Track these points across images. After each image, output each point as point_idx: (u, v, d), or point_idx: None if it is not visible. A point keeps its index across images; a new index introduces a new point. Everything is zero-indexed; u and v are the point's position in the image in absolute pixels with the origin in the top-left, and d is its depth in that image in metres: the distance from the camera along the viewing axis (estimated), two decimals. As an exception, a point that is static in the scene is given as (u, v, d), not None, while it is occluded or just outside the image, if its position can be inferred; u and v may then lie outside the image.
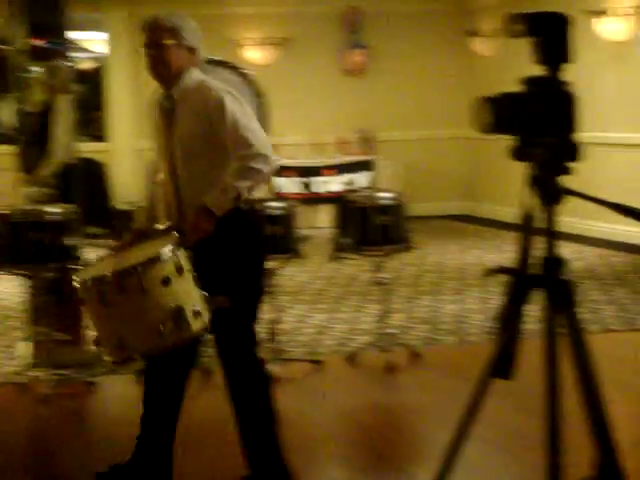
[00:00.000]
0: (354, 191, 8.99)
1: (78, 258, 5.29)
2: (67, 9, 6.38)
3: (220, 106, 3.55)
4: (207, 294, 3.43)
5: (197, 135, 3.61)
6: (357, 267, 7.81)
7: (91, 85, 13.39)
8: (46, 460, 4.30)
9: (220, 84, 3.69)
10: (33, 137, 6.48)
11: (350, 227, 5.64)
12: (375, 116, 12.80)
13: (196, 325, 3.37)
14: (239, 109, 3.57)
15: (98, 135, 12.75)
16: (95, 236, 7.09)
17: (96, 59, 13.67)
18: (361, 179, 11.91)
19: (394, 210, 5.65)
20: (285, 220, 5.52)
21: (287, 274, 7.00)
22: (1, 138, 12.35)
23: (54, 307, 5.63)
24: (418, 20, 13.01)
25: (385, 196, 5.77)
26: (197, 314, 3.37)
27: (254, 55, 12.55)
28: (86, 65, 13.61)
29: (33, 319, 5.65)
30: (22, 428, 4.82)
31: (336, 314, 7.15)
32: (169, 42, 3.63)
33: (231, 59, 6.91)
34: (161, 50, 3.64)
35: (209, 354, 5.85)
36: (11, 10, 6.57)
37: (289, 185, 11.70)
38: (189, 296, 3.38)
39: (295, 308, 7.25)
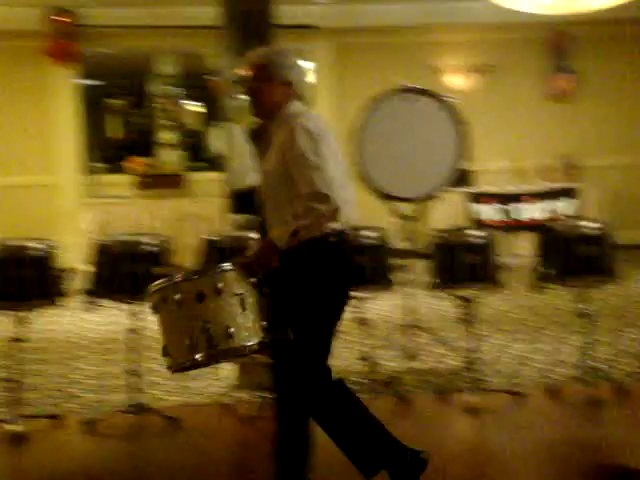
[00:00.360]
0: (557, 219, 8.78)
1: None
2: (276, 40, 6.59)
3: (291, 141, 3.59)
4: (265, 323, 3.55)
5: (276, 168, 3.66)
6: (559, 297, 7.60)
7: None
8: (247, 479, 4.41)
9: (306, 119, 3.68)
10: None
11: (552, 256, 5.50)
12: (580, 142, 12.49)
13: (224, 345, 3.48)
14: (309, 146, 3.56)
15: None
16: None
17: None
18: (564, 207, 11.62)
19: (599, 240, 5.47)
20: (485, 248, 5.45)
21: (486, 303, 6.92)
22: (210, 165, 12.90)
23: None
24: (628, 43, 12.62)
25: (589, 225, 5.60)
26: (229, 336, 3.47)
27: (456, 82, 12.53)
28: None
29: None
30: (226, 448, 4.96)
31: (537, 345, 6.98)
32: (262, 78, 3.73)
33: (432, 86, 6.94)
34: (255, 86, 3.75)
35: (406, 382, 5.87)
36: (223, 42, 6.86)
37: (489, 212, 11.57)
38: (222, 316, 3.49)
39: (495, 338, 7.13)
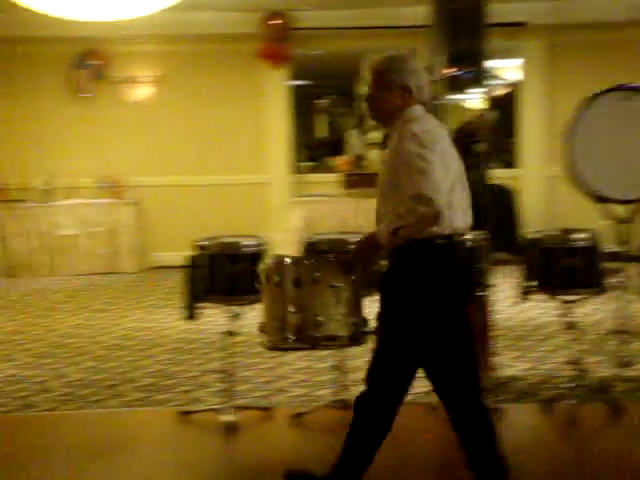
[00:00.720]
0: None
1: (487, 284, 5.34)
2: (488, 38, 6.51)
3: (400, 146, 3.62)
4: (358, 319, 3.76)
5: (389, 172, 3.70)
6: None
7: (503, 112, 13.56)
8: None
9: (419, 124, 3.68)
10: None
11: None
12: None
13: (311, 332, 3.72)
14: (417, 151, 3.55)
15: (509, 161, 12.85)
16: (503, 262, 7.14)
17: (508, 85, 13.82)
18: None
19: None
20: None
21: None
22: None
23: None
24: None
25: None
26: (318, 324, 3.71)
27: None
28: (499, 92, 13.80)
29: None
30: (428, 447, 4.96)
31: None
32: (380, 84, 3.79)
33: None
34: (373, 92, 3.82)
35: (618, 390, 5.68)
36: (432, 41, 6.85)
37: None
38: (314, 305, 3.71)
39: None
